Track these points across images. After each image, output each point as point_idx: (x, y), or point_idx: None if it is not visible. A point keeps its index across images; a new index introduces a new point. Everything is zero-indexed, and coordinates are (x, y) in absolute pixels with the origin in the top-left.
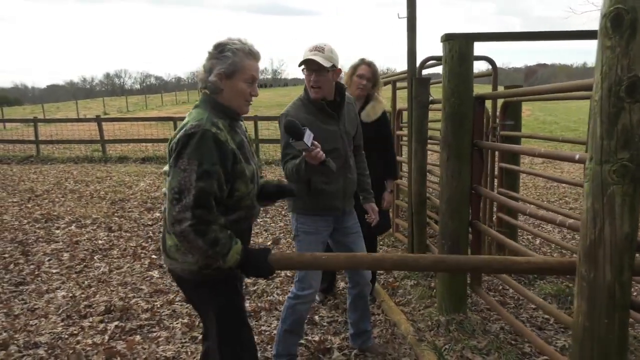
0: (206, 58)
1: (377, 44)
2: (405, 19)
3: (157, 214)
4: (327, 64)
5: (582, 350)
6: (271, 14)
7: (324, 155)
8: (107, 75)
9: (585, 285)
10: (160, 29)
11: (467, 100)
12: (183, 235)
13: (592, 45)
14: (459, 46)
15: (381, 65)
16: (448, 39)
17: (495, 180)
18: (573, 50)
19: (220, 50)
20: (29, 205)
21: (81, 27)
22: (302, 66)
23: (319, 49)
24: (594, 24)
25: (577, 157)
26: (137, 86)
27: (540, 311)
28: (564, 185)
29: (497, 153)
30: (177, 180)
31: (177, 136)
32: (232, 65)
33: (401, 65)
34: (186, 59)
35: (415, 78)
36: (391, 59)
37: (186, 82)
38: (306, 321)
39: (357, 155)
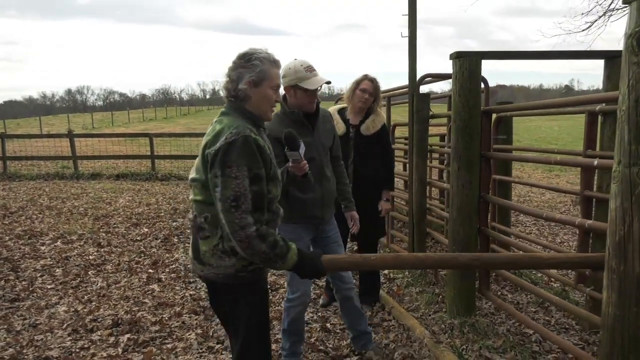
0: (230, 68)
1: (346, 63)
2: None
3: (145, 230)
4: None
5: (613, 338)
6: (239, 34)
7: (308, 167)
8: (69, 92)
9: (615, 277)
10: (125, 46)
11: (476, 114)
12: (248, 241)
13: (546, 67)
14: (468, 64)
15: (346, 84)
16: (458, 56)
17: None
18: (529, 72)
19: (247, 60)
20: (6, 222)
21: (41, 43)
22: (299, 85)
23: (314, 69)
24: (562, 46)
25: (595, 162)
26: (100, 103)
27: (542, 313)
28: (536, 199)
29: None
30: (231, 189)
31: (218, 145)
32: (260, 73)
33: None
34: (151, 76)
35: (416, 94)
36: (351, 77)
37: (151, 99)
38: (319, 329)
39: (337, 165)
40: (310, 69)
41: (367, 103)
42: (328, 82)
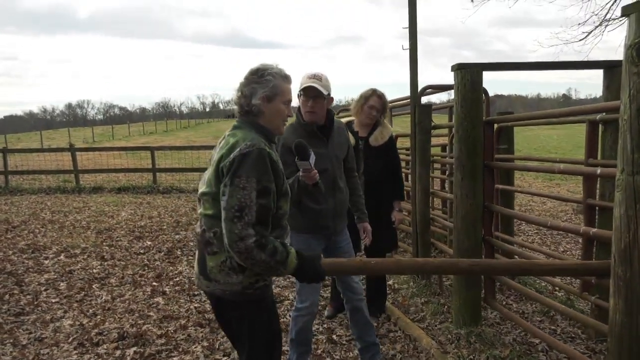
0: (243, 83)
1: (344, 75)
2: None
3: (148, 243)
4: (324, 92)
5: (621, 344)
6: (237, 47)
7: (318, 177)
8: (69, 106)
9: (622, 284)
10: (124, 61)
11: (478, 124)
12: (247, 252)
13: (543, 76)
14: (470, 75)
15: (345, 95)
16: (460, 68)
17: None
18: (526, 81)
19: (260, 75)
20: (9, 236)
21: (41, 58)
22: (301, 92)
23: (317, 77)
24: (559, 56)
25: (598, 171)
26: (100, 117)
27: (547, 322)
28: (537, 208)
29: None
30: (236, 199)
31: (232, 156)
32: (273, 88)
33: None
34: (150, 90)
35: (418, 105)
36: (350, 88)
37: (151, 112)
38: (325, 340)
39: (350, 176)
40: (311, 76)
41: (375, 119)
42: (310, 87)
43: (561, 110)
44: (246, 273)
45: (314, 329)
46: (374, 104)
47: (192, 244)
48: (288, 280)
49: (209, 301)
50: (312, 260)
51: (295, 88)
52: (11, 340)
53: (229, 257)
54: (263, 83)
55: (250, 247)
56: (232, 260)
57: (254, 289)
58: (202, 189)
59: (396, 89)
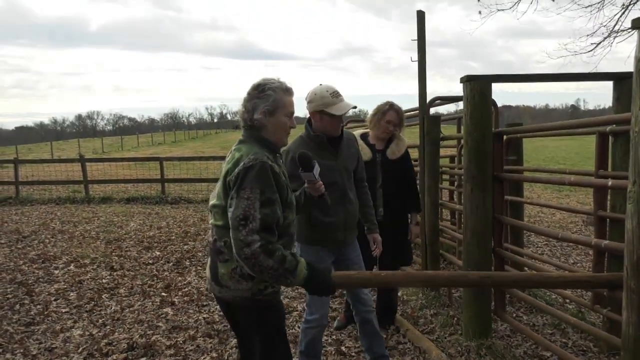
0: (246, 99)
1: (351, 86)
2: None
3: (157, 253)
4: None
5: (634, 358)
6: (244, 58)
7: (324, 188)
8: (79, 117)
9: (634, 297)
10: (134, 73)
11: (488, 135)
12: (254, 257)
13: (551, 87)
14: (480, 86)
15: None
16: (469, 80)
17: None
18: (534, 92)
19: (261, 90)
20: (20, 246)
21: (52, 70)
22: (327, 111)
23: (340, 94)
24: (567, 67)
25: (609, 183)
26: (110, 127)
27: (558, 335)
28: (546, 219)
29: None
30: (241, 208)
31: (236, 170)
32: (274, 102)
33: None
34: (159, 101)
35: (427, 116)
36: (358, 99)
37: (160, 123)
38: (334, 352)
39: (361, 187)
40: (335, 94)
41: (391, 133)
42: (354, 107)
43: (571, 122)
44: (255, 280)
45: (322, 340)
46: (391, 118)
47: (200, 254)
48: (297, 291)
49: (217, 312)
50: (322, 272)
51: (297, 98)
52: (22, 350)
53: (239, 265)
54: (264, 98)
55: (256, 252)
56: (242, 268)
57: (263, 295)
58: (212, 201)
59: (404, 100)
